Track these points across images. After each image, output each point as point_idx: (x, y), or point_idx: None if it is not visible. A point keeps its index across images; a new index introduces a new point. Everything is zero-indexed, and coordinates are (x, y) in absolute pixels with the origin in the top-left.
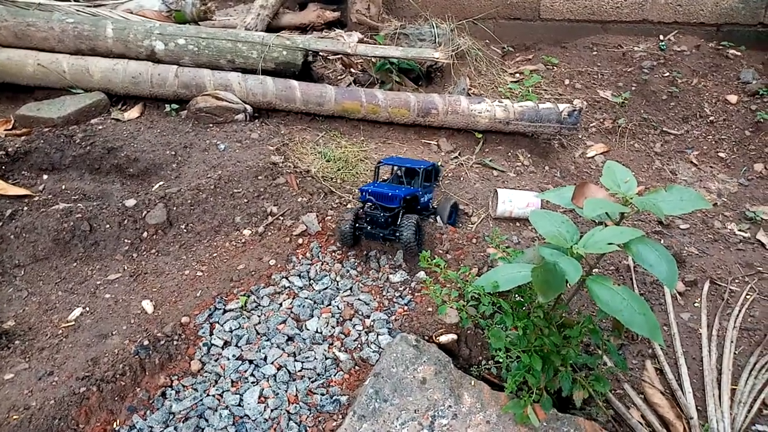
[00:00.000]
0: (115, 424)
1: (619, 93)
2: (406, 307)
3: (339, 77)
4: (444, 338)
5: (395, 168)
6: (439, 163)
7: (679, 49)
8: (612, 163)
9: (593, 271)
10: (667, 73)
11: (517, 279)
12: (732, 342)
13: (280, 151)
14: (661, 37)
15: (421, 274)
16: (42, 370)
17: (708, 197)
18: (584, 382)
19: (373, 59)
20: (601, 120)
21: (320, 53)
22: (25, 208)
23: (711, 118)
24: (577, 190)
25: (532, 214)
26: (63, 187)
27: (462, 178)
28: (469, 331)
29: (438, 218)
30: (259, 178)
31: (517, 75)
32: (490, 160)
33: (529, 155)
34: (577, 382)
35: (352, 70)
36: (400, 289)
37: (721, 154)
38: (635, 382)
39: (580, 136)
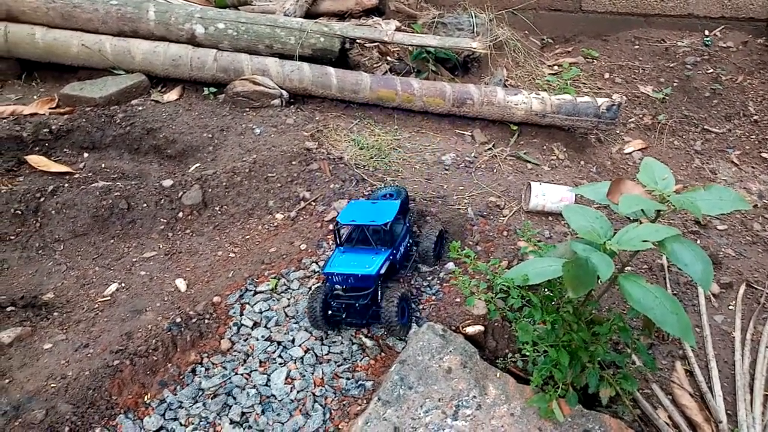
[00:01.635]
0: (146, 397)
1: (660, 89)
2: (433, 297)
3: (375, 65)
4: (471, 329)
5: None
6: (406, 191)
7: (725, 45)
8: (650, 160)
9: (626, 269)
10: (711, 70)
11: (548, 273)
12: (766, 347)
13: (315, 137)
14: (707, 33)
15: (450, 265)
16: (78, 342)
17: (748, 198)
18: (611, 380)
19: (410, 48)
20: (641, 116)
21: (357, 41)
22: (66, 185)
23: (755, 117)
24: (613, 186)
25: (565, 208)
26: (103, 165)
27: (495, 170)
28: (496, 324)
29: (420, 252)
30: (293, 163)
31: (556, 67)
32: (525, 153)
33: (564, 149)
34: (605, 379)
35: (388, 58)
36: (428, 279)
37: (764, 155)
38: (664, 383)
39: (618, 132)
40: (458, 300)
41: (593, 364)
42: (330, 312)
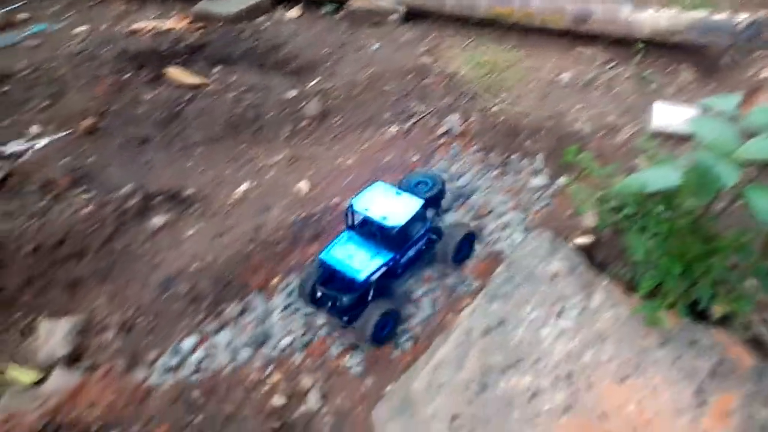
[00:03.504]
0: (274, 280)
1: None
2: (543, 210)
3: None
4: (580, 240)
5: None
6: (443, 182)
7: None
8: None
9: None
10: None
11: (666, 181)
12: None
13: (430, 53)
14: None
15: (562, 180)
16: (215, 231)
17: None
18: (725, 298)
19: None
20: None
21: None
22: (201, 96)
23: None
24: (747, 97)
25: (692, 120)
26: (233, 78)
27: (615, 91)
28: (606, 235)
29: (440, 254)
30: (408, 78)
31: None
32: (649, 73)
33: (693, 71)
34: (718, 296)
35: None
36: (538, 192)
37: None
38: None
39: (754, 54)
40: (568, 212)
41: (707, 278)
42: (319, 294)
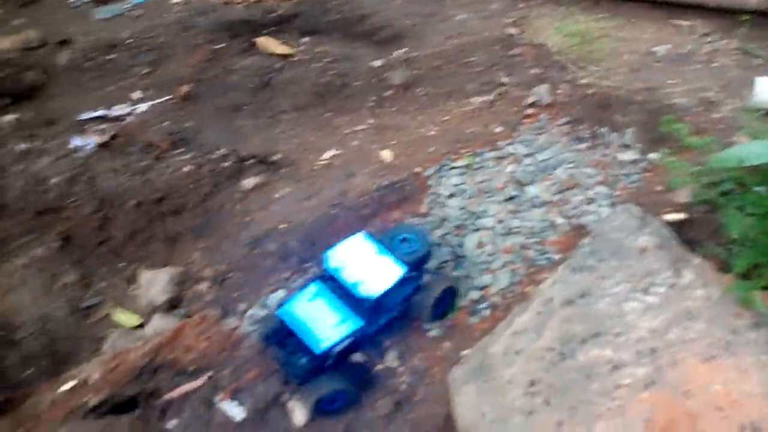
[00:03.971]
0: None
1: None
2: (632, 185)
3: None
4: (671, 216)
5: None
6: (429, 243)
7: None
8: None
9: None
10: None
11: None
12: None
13: (518, 23)
14: None
15: (653, 155)
16: (302, 195)
17: None
18: None
19: None
20: None
21: None
22: (290, 65)
23: None
24: None
25: None
26: (319, 48)
27: (715, 64)
28: (699, 212)
29: (417, 307)
30: (495, 48)
31: None
32: (754, 47)
33: None
34: None
35: None
36: (628, 166)
37: None
38: None
39: None
40: (659, 188)
41: None
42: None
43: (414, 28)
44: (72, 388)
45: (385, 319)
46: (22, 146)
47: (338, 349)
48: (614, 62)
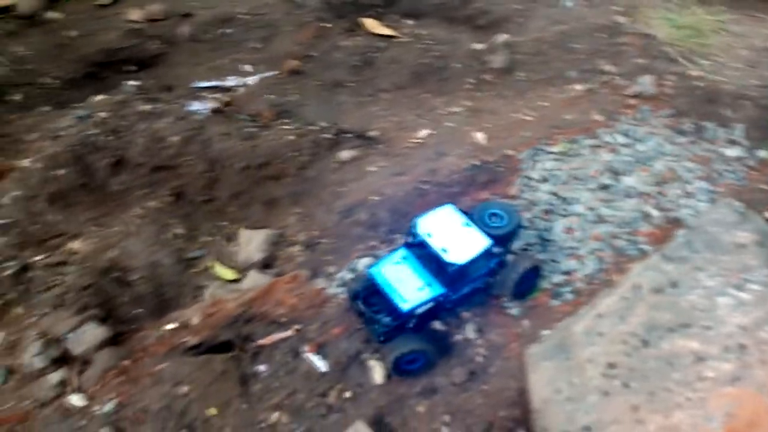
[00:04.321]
0: None
1: None
2: (735, 182)
3: None
4: None
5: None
6: (519, 220)
7: None
8: None
9: None
10: None
11: None
12: None
13: (627, 12)
14: None
15: (762, 153)
16: (395, 170)
17: None
18: None
19: None
20: None
21: None
22: (392, 46)
23: None
24: None
25: None
26: (423, 30)
27: None
28: None
29: (499, 285)
30: (600, 36)
31: None
32: None
33: None
34: None
35: None
36: (732, 163)
37: None
38: None
39: None
40: (764, 186)
41: None
42: (363, 305)
43: (517, 14)
44: (174, 329)
45: (467, 288)
46: (146, 107)
47: (420, 311)
48: (728, 57)
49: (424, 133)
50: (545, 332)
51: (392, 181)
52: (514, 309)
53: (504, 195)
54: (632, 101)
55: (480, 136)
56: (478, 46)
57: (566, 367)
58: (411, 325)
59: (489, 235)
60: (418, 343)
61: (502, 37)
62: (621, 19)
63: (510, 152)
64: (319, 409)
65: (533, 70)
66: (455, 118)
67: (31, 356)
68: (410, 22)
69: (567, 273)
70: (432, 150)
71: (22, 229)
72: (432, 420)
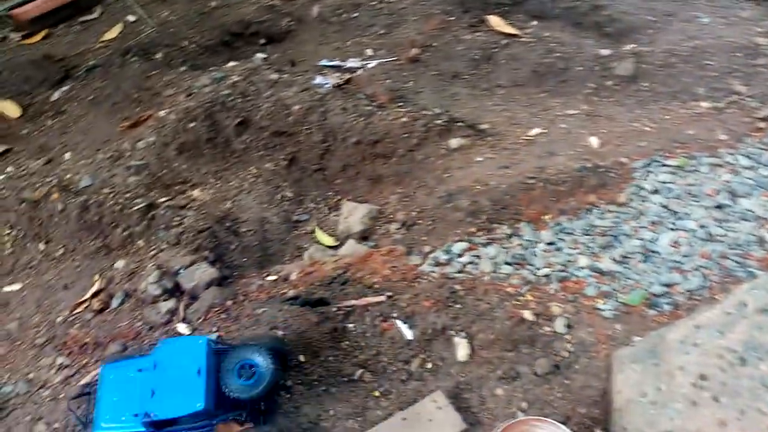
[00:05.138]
0: (547, 216)
1: None
2: None
3: None
4: None
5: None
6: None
7: None
8: None
9: None
10: None
11: None
12: None
13: None
14: None
15: None
16: (502, 163)
17: None
18: None
19: None
20: None
21: None
22: (514, 44)
23: None
24: None
25: None
26: (547, 32)
27: None
28: None
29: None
30: (736, 55)
31: None
32: None
33: None
34: None
35: None
36: None
37: None
38: None
39: None
40: None
41: None
42: None
43: (649, 25)
44: (275, 280)
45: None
46: (274, 76)
47: None
48: None
49: (536, 131)
50: (637, 338)
51: (498, 173)
52: (607, 312)
53: (611, 201)
54: (762, 125)
55: (594, 141)
56: (604, 52)
57: (655, 372)
58: None
59: (232, 397)
60: None
61: (630, 46)
62: (761, 41)
63: (623, 160)
64: (401, 373)
65: (659, 81)
66: (570, 120)
67: (148, 284)
68: (536, 23)
69: (668, 285)
70: (542, 148)
71: (152, 172)
72: (509, 404)
